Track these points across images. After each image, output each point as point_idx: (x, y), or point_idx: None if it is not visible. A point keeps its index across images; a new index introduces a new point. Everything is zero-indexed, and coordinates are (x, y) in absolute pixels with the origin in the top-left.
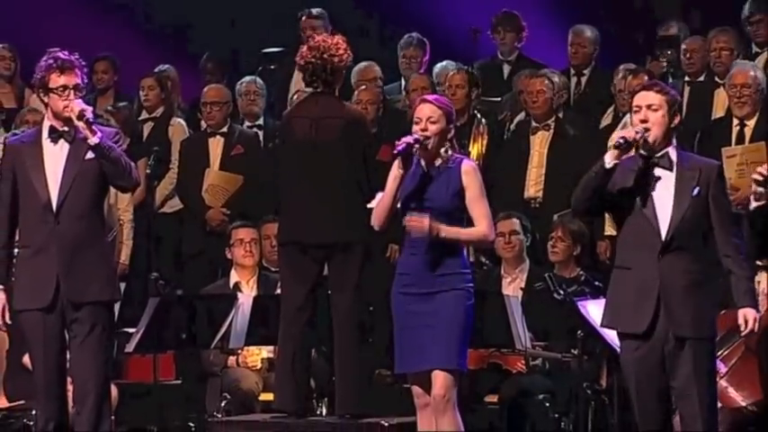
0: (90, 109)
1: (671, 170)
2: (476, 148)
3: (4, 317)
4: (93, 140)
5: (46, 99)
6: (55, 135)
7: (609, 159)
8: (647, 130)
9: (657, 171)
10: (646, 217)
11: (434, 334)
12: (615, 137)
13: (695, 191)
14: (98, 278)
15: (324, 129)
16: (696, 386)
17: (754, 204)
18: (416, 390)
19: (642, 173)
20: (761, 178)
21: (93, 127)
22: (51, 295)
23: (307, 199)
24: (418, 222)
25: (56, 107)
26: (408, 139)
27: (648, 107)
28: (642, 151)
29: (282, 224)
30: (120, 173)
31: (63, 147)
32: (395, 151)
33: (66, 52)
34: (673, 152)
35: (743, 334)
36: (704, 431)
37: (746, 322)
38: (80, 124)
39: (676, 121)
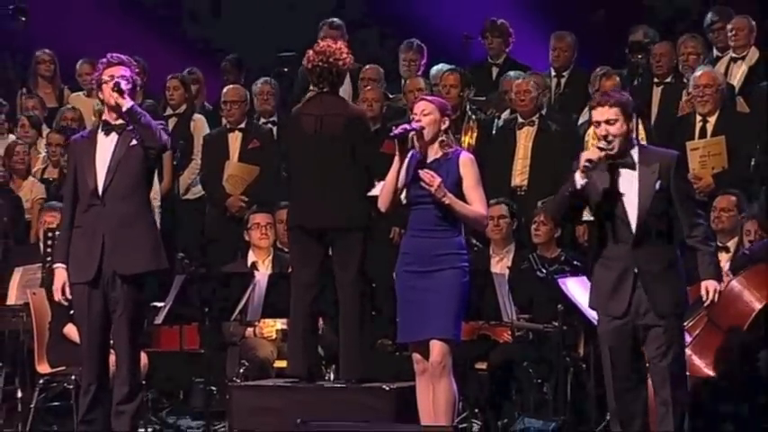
0: (125, 82)
1: (634, 169)
2: (466, 141)
3: (64, 291)
4: (127, 105)
5: (101, 95)
6: (107, 128)
7: (579, 180)
8: (609, 143)
9: (623, 171)
10: (617, 215)
11: (433, 307)
12: (582, 158)
13: (657, 185)
14: (143, 251)
15: (328, 125)
16: (666, 356)
17: None
18: (416, 357)
19: (609, 176)
20: None
21: (126, 96)
22: (95, 270)
23: (313, 187)
24: (431, 178)
25: (105, 97)
26: (405, 125)
27: (607, 122)
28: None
29: (291, 210)
30: (149, 136)
31: (113, 138)
32: (391, 134)
33: (121, 55)
34: (635, 152)
35: (705, 304)
36: (671, 394)
37: (708, 293)
38: (114, 93)
39: (632, 123)
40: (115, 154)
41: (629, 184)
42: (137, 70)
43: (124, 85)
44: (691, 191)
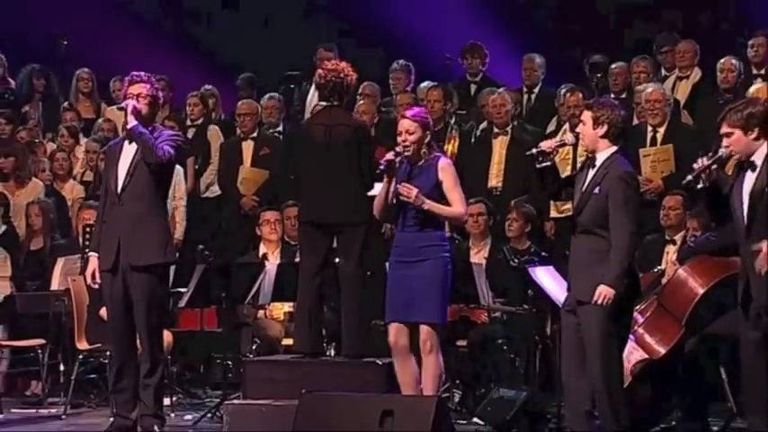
0: (132, 103)
1: (592, 170)
2: (449, 149)
3: (93, 277)
4: (129, 125)
5: None
6: (130, 137)
7: (537, 164)
8: (579, 140)
9: (590, 170)
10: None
11: (420, 294)
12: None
13: (596, 189)
14: (153, 246)
15: (335, 134)
16: (589, 339)
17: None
18: (391, 339)
19: (579, 171)
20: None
21: (131, 117)
22: (113, 260)
23: (321, 188)
24: (408, 191)
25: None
26: (389, 156)
27: (581, 122)
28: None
29: (303, 207)
30: (147, 153)
31: (134, 146)
32: (379, 171)
33: (142, 72)
34: (602, 155)
35: (592, 302)
36: (597, 371)
37: (600, 296)
38: (121, 114)
39: (602, 130)
40: (134, 160)
41: (588, 180)
42: (157, 86)
43: (131, 108)
44: (621, 206)
